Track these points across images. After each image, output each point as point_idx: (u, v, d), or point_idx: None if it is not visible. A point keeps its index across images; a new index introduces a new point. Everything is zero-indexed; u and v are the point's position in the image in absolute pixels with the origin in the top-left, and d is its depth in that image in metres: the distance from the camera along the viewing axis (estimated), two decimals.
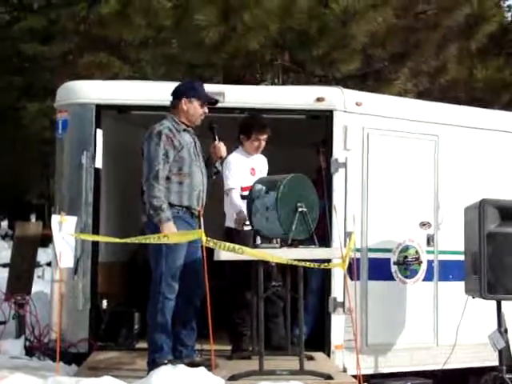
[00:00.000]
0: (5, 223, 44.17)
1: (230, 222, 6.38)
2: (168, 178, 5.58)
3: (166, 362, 5.40)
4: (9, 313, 7.27)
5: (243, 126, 6.45)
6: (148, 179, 5.49)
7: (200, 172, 5.72)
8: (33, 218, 32.93)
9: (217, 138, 5.82)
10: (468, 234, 6.52)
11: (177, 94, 5.76)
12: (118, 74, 15.17)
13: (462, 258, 6.70)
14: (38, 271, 12.28)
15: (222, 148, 5.81)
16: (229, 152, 6.35)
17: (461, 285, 6.67)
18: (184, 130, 5.71)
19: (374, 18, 8.32)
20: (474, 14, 9.65)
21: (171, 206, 5.57)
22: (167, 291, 5.54)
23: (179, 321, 5.69)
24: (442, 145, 7.27)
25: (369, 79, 9.75)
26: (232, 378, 5.36)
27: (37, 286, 9.15)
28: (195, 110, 5.72)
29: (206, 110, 5.77)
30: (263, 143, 6.44)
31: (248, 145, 6.45)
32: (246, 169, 6.40)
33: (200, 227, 5.52)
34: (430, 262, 7.15)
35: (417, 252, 7.09)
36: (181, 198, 5.61)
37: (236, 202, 6.21)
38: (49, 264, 13.85)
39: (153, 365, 5.41)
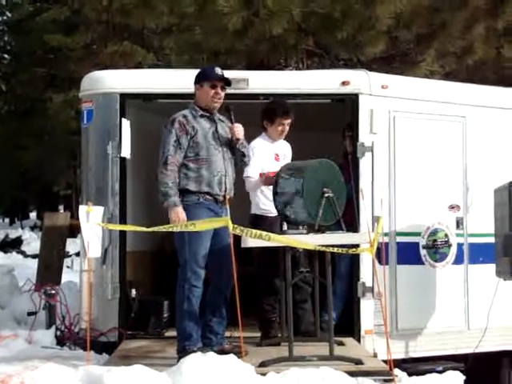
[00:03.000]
0: (33, 214, 44.65)
1: (255, 209, 6.36)
2: (186, 165, 5.62)
3: (195, 349, 5.40)
4: (39, 303, 7.31)
5: (266, 112, 6.41)
6: (159, 166, 5.57)
7: (221, 157, 5.70)
8: (61, 209, 33.24)
9: (233, 119, 5.78)
10: (498, 216, 6.45)
11: (194, 82, 5.83)
12: (142, 62, 15.23)
13: (492, 240, 6.65)
14: (67, 261, 12.37)
15: (238, 130, 5.76)
16: (254, 138, 6.36)
17: (491, 267, 6.62)
18: (202, 116, 5.72)
19: None
20: None
21: (190, 192, 5.60)
22: (193, 279, 5.55)
23: (209, 308, 5.70)
24: (470, 126, 7.18)
25: (394, 61, 9.64)
26: (262, 364, 5.36)
27: (66, 276, 9.23)
28: (205, 93, 5.74)
29: (219, 91, 5.74)
30: (287, 128, 6.40)
31: (272, 130, 6.41)
32: (269, 154, 6.37)
33: (227, 214, 5.52)
34: (459, 245, 7.08)
35: (446, 235, 7.02)
36: (200, 184, 5.61)
37: (253, 185, 6.18)
38: (77, 254, 13.95)
39: (183, 353, 5.42)
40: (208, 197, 5.62)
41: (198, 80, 5.79)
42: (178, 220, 5.48)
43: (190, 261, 5.53)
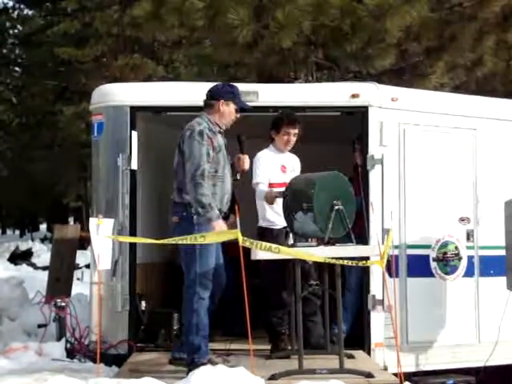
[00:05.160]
0: (43, 226, 44.75)
1: (262, 222, 6.37)
2: None
3: (205, 362, 5.41)
4: (49, 315, 7.32)
5: (273, 122, 6.46)
6: (194, 177, 5.45)
7: (229, 176, 5.74)
8: (71, 221, 33.32)
9: (244, 150, 5.82)
10: (509, 229, 6.43)
11: (214, 95, 5.73)
12: (152, 75, 15.29)
13: (503, 252, 6.61)
14: (77, 273, 12.38)
15: (246, 161, 5.80)
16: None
17: (502, 280, 6.58)
18: (219, 132, 5.71)
19: (409, 12, 8.20)
20: (510, 5, 9.48)
21: None
22: (202, 291, 5.57)
23: None
24: (480, 138, 7.16)
25: (404, 74, 9.63)
26: (272, 377, 5.35)
27: (76, 288, 9.25)
28: (230, 112, 5.72)
29: (238, 116, 5.78)
30: (292, 138, 6.41)
31: (278, 139, 6.43)
32: (276, 165, 6.38)
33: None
34: (470, 258, 7.05)
35: (456, 248, 6.99)
36: (214, 200, 5.60)
37: (262, 196, 6.18)
38: (88, 266, 13.96)
39: (192, 365, 5.42)
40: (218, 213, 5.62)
41: (225, 97, 5.70)
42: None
43: (201, 274, 5.54)
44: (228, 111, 5.70)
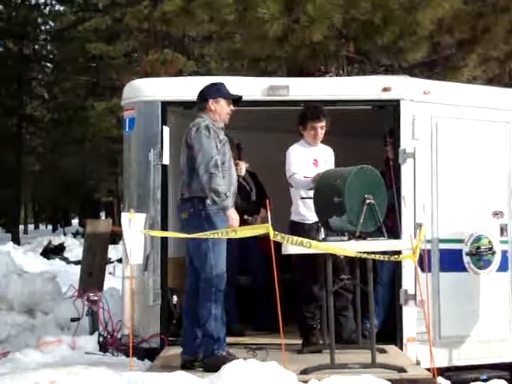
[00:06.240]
0: (75, 221, 45.19)
1: (294, 216, 6.36)
2: None
3: (224, 353, 5.49)
4: (82, 309, 7.38)
5: (299, 117, 6.44)
6: (208, 168, 5.50)
7: (234, 169, 5.80)
8: (102, 216, 33.58)
9: (242, 157, 6.03)
10: None
11: (203, 97, 5.85)
12: (183, 70, 15.35)
13: None
14: (109, 268, 12.46)
15: (242, 167, 5.98)
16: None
17: None
18: (221, 129, 5.79)
19: (441, 4, 8.13)
20: None
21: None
22: (220, 283, 5.60)
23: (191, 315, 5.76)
24: None
25: (436, 67, 9.55)
26: (304, 371, 5.34)
27: (108, 283, 9.31)
28: (222, 108, 5.80)
29: (233, 108, 5.84)
30: (320, 131, 6.37)
31: (306, 135, 6.42)
32: (307, 159, 6.36)
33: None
34: (503, 253, 6.97)
35: (490, 242, 6.92)
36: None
37: (302, 182, 6.17)
38: (119, 260, 14.06)
39: (211, 356, 5.50)
40: None
41: (213, 95, 5.80)
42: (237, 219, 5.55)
43: (216, 266, 5.58)
44: (220, 108, 5.80)
